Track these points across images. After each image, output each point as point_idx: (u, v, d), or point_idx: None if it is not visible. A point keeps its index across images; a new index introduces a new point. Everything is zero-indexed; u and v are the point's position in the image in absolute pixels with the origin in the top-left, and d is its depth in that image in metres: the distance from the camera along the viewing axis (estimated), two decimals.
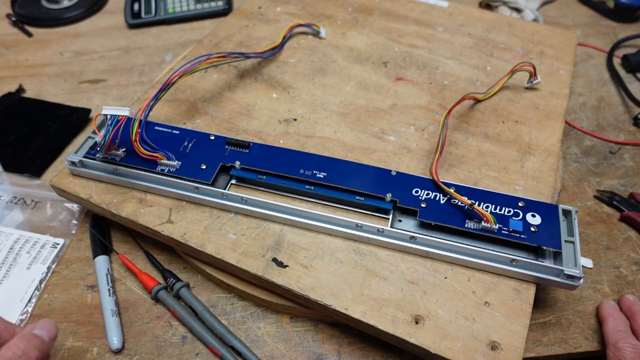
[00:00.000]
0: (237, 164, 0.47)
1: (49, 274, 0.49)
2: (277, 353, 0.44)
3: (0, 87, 0.69)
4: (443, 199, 0.44)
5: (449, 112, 0.48)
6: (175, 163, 0.46)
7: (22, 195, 0.55)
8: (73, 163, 0.47)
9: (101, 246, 0.50)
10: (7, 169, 0.58)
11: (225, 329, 0.44)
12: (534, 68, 0.56)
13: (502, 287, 0.41)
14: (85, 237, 0.52)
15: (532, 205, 0.43)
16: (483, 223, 0.41)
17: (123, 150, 0.47)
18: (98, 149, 0.46)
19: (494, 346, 0.38)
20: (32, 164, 0.58)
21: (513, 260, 0.40)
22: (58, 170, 0.51)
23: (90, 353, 0.44)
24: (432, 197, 0.44)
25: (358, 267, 0.42)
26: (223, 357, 0.42)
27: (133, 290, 0.48)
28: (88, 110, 0.65)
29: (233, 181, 0.48)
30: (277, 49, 0.61)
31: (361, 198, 0.45)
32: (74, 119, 0.64)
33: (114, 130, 0.43)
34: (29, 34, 0.79)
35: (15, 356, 0.30)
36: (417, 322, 0.39)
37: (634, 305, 0.44)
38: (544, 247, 0.41)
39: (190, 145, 0.48)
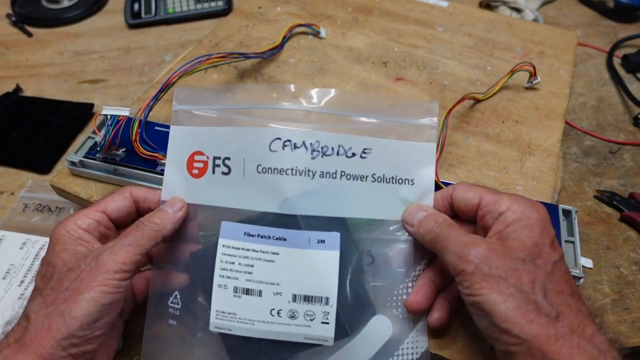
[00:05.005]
0: None
1: None
2: None
3: (0, 87, 0.69)
4: None
5: (449, 112, 0.48)
6: None
7: (47, 202, 0.56)
8: (73, 163, 0.47)
9: None
10: (13, 165, 0.58)
11: None
12: (534, 68, 0.56)
13: None
14: None
15: None
16: None
17: (123, 150, 0.47)
18: (98, 149, 0.46)
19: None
20: (40, 159, 0.58)
21: None
22: (58, 170, 0.51)
23: None
24: None
25: None
26: None
27: None
28: (91, 105, 0.65)
29: None
30: (277, 49, 0.61)
31: None
32: (77, 114, 0.64)
33: (114, 131, 0.43)
34: (29, 34, 0.79)
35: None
36: None
37: None
38: None
39: None
